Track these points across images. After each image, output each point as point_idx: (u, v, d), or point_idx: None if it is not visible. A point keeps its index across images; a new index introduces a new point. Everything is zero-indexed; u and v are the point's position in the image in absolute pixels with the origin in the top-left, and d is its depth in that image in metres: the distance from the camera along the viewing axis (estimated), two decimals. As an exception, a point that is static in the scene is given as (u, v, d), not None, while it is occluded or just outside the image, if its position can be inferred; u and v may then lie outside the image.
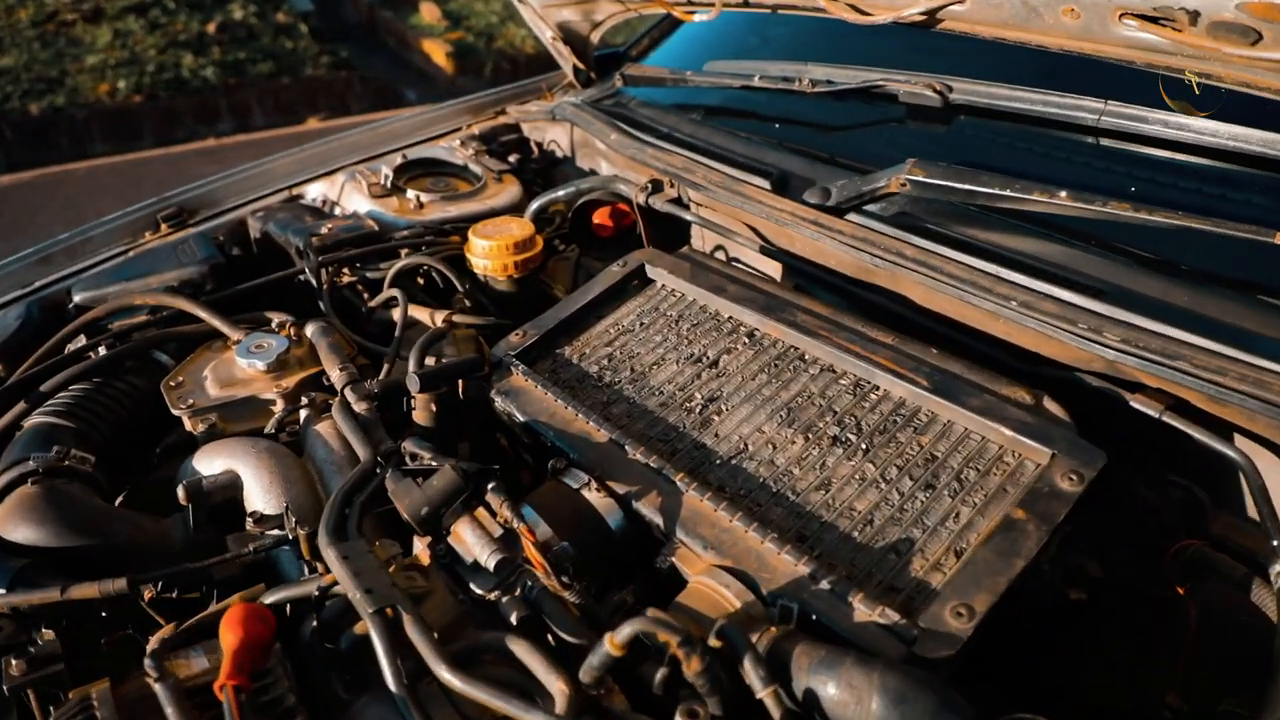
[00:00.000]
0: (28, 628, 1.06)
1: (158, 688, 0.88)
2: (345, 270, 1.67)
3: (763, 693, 0.83)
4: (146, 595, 1.07)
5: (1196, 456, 1.13)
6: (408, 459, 1.14)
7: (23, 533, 1.15)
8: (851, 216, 1.44)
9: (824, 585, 0.95)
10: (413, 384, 1.24)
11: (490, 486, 1.05)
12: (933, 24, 1.33)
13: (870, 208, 1.48)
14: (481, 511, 1.05)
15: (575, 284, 1.88)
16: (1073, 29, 1.15)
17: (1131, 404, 1.16)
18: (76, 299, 1.68)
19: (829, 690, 0.83)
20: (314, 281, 1.61)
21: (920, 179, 1.39)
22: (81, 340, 1.53)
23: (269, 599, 1.03)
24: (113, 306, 1.54)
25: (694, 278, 1.42)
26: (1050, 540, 0.96)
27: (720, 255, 1.74)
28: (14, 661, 0.98)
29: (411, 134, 2.22)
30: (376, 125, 2.21)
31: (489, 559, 0.99)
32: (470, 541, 1.02)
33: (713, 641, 0.86)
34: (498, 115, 2.31)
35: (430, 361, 1.35)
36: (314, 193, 2.02)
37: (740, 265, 1.68)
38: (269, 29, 8.14)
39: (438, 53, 8.56)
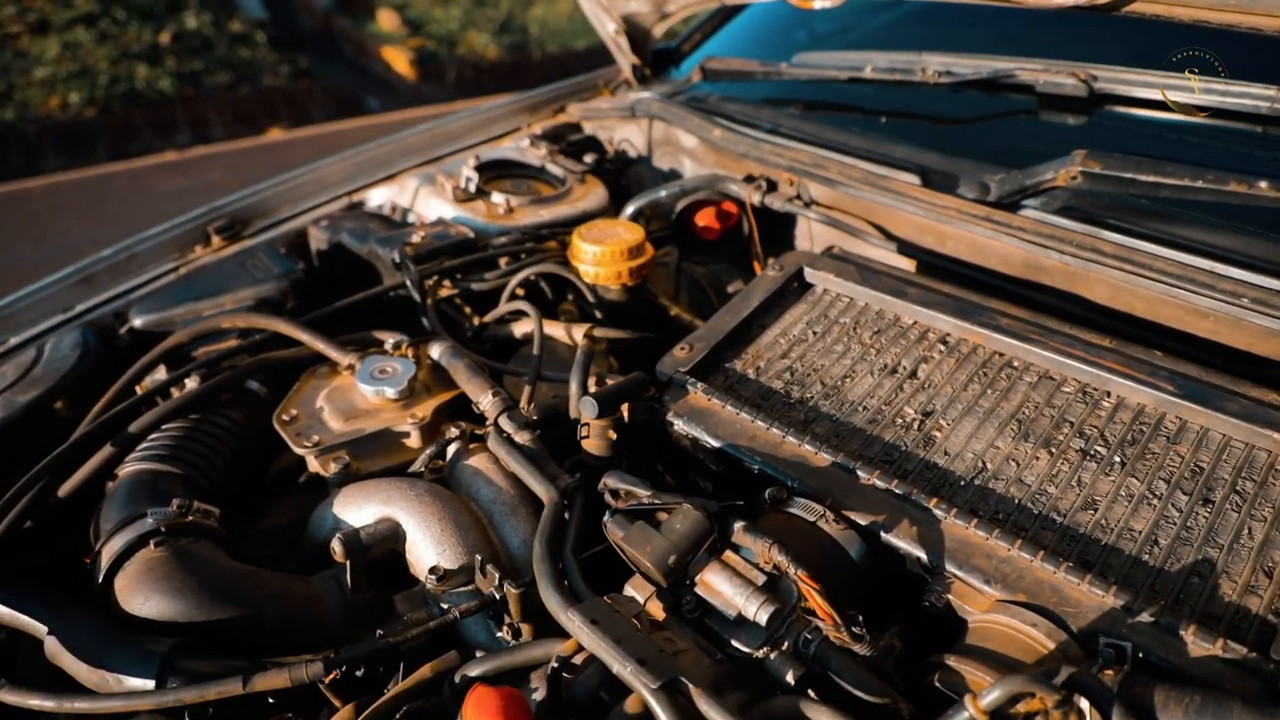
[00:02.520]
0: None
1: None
2: (445, 282, 1.51)
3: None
4: (329, 678, 0.90)
5: None
6: (610, 496, 0.99)
7: (154, 606, 0.96)
8: (1028, 212, 1.34)
9: (1145, 618, 0.83)
10: (589, 408, 1.09)
11: (741, 526, 0.91)
12: (1118, 6, 1.24)
13: (1032, 202, 1.38)
14: (730, 555, 0.91)
15: (677, 291, 1.75)
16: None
17: (1378, 403, 1.07)
18: (136, 323, 1.48)
19: (1219, 743, 0.71)
20: (416, 296, 1.44)
21: (1096, 171, 1.29)
22: (162, 371, 1.33)
23: (475, 671, 0.87)
24: (197, 331, 1.34)
25: (865, 281, 1.29)
26: (1378, 557, 0.87)
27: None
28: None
29: (469, 134, 2.06)
30: (431, 126, 2.04)
31: (758, 611, 0.85)
32: (728, 592, 0.88)
33: (1057, 702, 0.74)
34: (556, 114, 2.16)
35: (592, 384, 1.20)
36: (378, 199, 1.85)
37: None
38: (224, 38, 7.79)
39: (399, 60, 8.32)
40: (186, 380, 1.28)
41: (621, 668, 0.78)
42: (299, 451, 1.16)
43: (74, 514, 1.15)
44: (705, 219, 1.74)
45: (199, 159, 6.23)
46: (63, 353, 1.40)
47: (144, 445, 1.17)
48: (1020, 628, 0.85)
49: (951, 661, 0.84)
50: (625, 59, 2.16)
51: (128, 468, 1.14)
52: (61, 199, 4.97)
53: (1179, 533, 0.94)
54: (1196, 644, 0.81)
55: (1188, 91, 1.42)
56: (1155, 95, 1.45)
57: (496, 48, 8.72)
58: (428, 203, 1.73)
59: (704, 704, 0.76)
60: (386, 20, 8.78)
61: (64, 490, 1.16)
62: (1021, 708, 0.73)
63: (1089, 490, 0.99)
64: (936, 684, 0.84)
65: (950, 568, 0.92)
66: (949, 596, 0.91)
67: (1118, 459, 1.02)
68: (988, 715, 0.71)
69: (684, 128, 1.81)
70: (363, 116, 7.58)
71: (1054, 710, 0.70)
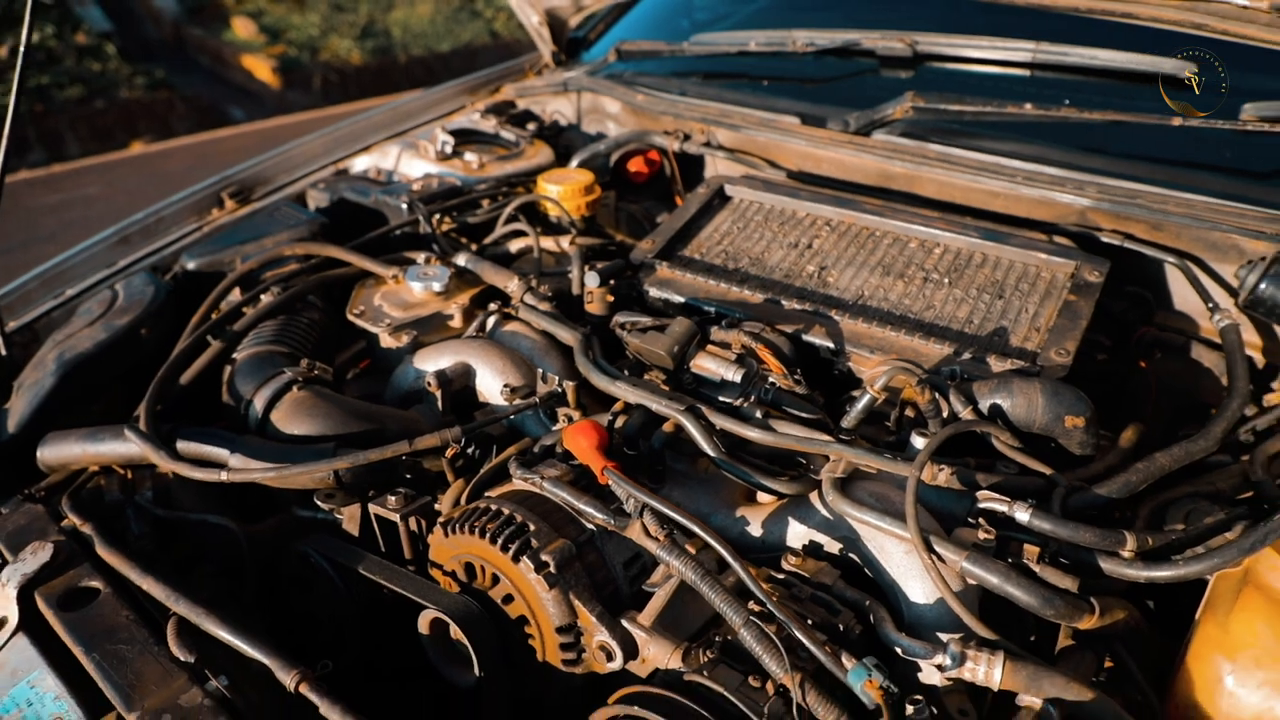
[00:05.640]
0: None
1: (545, 483, 1.20)
2: (446, 219, 1.96)
3: (964, 411, 1.28)
4: (450, 452, 1.35)
5: (1142, 269, 1.71)
6: (626, 327, 1.50)
7: (308, 427, 1.39)
8: (877, 136, 1.94)
9: (965, 357, 1.42)
10: (593, 279, 1.59)
11: (716, 328, 1.43)
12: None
13: (879, 131, 1.98)
14: (711, 346, 1.43)
15: (618, 223, 2.27)
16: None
17: (1101, 239, 1.72)
18: (190, 265, 1.86)
19: (1006, 402, 1.29)
20: (428, 228, 1.89)
21: (921, 105, 1.91)
22: (236, 292, 1.73)
23: (548, 441, 1.35)
24: (266, 258, 1.75)
25: (769, 190, 1.85)
26: (1094, 312, 1.49)
27: (747, 186, 2.18)
28: (391, 498, 1.26)
29: (424, 113, 2.50)
30: (390, 107, 2.47)
31: (735, 374, 1.38)
32: (713, 366, 1.40)
33: (923, 390, 1.30)
34: (493, 93, 2.63)
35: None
36: (361, 165, 2.27)
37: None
38: (71, 50, 7.68)
39: (261, 68, 8.43)
40: (262, 295, 1.69)
41: (658, 404, 1.29)
42: (375, 330, 1.61)
43: (191, 398, 1.55)
44: (636, 165, 2.26)
45: (65, 174, 6.21)
46: (139, 289, 1.77)
47: (250, 337, 1.58)
48: (902, 365, 1.41)
49: (897, 362, 1.39)
50: (546, 46, 2.67)
51: (244, 351, 1.55)
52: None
53: (985, 314, 1.53)
54: (997, 364, 1.40)
55: (980, 48, 2.06)
56: (958, 52, 2.09)
57: (360, 53, 8.96)
58: (411, 164, 2.18)
59: (713, 416, 1.27)
60: (243, 28, 8.86)
61: (185, 378, 1.55)
62: (904, 394, 1.29)
63: (929, 298, 1.58)
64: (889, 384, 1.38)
65: (849, 348, 1.47)
66: (850, 364, 1.47)
67: (946, 280, 1.61)
68: (884, 392, 1.26)
69: (611, 96, 2.33)
70: (231, 126, 7.67)
71: (918, 390, 1.26)
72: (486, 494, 1.26)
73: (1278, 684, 1.01)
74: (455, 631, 1.14)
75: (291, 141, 2.31)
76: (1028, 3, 1.94)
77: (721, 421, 1.28)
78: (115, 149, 7.18)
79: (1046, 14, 1.93)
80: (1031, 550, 1.13)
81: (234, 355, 1.55)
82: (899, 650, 1.07)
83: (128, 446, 1.37)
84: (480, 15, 10.03)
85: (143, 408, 1.40)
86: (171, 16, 9.17)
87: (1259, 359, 1.71)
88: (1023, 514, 1.14)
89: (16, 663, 1.20)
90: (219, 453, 1.36)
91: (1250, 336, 1.68)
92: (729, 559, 1.07)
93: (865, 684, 0.96)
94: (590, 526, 1.18)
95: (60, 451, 1.43)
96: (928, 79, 2.18)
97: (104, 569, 1.26)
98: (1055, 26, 2.02)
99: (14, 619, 1.23)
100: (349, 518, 1.34)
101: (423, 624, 1.18)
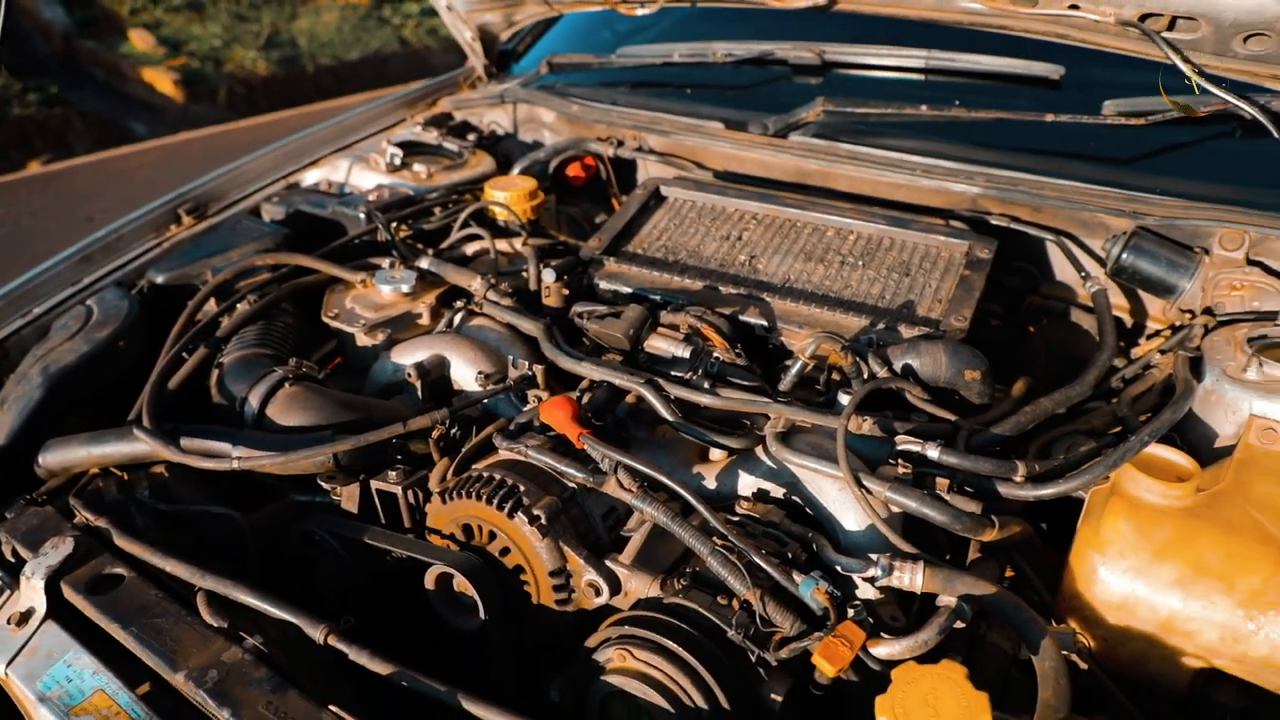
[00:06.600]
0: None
1: (530, 450, 1.39)
2: (403, 226, 2.12)
3: (881, 371, 1.52)
4: (436, 434, 1.53)
5: (1027, 247, 2.00)
6: (583, 316, 1.70)
7: (302, 418, 1.55)
8: (793, 138, 2.18)
9: (881, 327, 1.66)
10: (550, 275, 1.79)
11: (670, 308, 1.65)
12: (830, 7, 2.11)
13: (795, 132, 2.23)
14: (661, 328, 1.64)
15: (559, 225, 2.46)
16: (929, 3, 1.96)
17: (991, 221, 2.00)
18: (158, 279, 1.98)
19: (916, 362, 1.54)
20: (387, 235, 2.05)
21: (831, 109, 2.16)
22: (213, 302, 1.86)
23: (523, 419, 1.55)
24: (239, 268, 1.89)
25: (700, 189, 2.08)
26: (986, 284, 1.76)
27: (678, 186, 2.41)
28: (391, 474, 1.43)
29: (365, 127, 2.65)
30: (335, 122, 2.61)
31: (684, 351, 1.59)
32: (664, 346, 1.62)
33: (846, 355, 1.54)
34: (430, 106, 2.79)
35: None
36: (312, 179, 2.41)
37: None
38: (-45, 67, 7.41)
39: (162, 81, 8.29)
40: (238, 304, 1.82)
41: (621, 379, 1.49)
42: (351, 331, 1.76)
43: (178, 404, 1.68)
44: (574, 170, 2.46)
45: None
46: (114, 304, 1.88)
47: (234, 342, 1.72)
48: (828, 336, 1.65)
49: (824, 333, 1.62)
50: (479, 60, 2.84)
51: (231, 355, 1.69)
52: None
53: (894, 290, 1.79)
54: (908, 330, 1.65)
55: (881, 56, 2.33)
56: (861, 60, 2.35)
57: (266, 63, 8.88)
58: (363, 176, 2.33)
59: (667, 387, 1.48)
60: (140, 40, 8.68)
61: (174, 383, 1.68)
62: (830, 360, 1.52)
63: (847, 279, 1.82)
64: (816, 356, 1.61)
65: (780, 325, 1.70)
66: (782, 339, 1.70)
67: (860, 263, 1.86)
68: (813, 360, 1.50)
69: (546, 107, 2.52)
70: (135, 143, 7.53)
71: (841, 355, 1.50)
72: (473, 466, 1.44)
73: (1138, 569, 1.27)
74: (460, 583, 1.32)
75: (242, 158, 2.43)
76: (921, 16, 2.20)
77: (676, 391, 1.49)
78: (10, 170, 6.98)
79: (938, 25, 2.21)
80: (942, 482, 1.38)
81: (220, 360, 1.69)
82: (839, 568, 1.30)
83: (134, 446, 1.50)
84: (388, 22, 10.04)
85: (144, 409, 1.53)
86: (62, 29, 8.91)
87: (1127, 319, 2.01)
88: (933, 452, 1.39)
89: (50, 646, 1.33)
90: (223, 446, 1.50)
91: (1118, 300, 1.98)
92: (693, 502, 1.28)
93: (814, 591, 1.18)
94: (571, 485, 1.38)
95: (63, 456, 1.55)
96: (836, 85, 2.44)
97: (124, 556, 1.39)
98: (946, 36, 2.30)
99: (42, 608, 1.36)
100: (348, 497, 1.50)
101: (429, 580, 1.35)
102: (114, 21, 9.06)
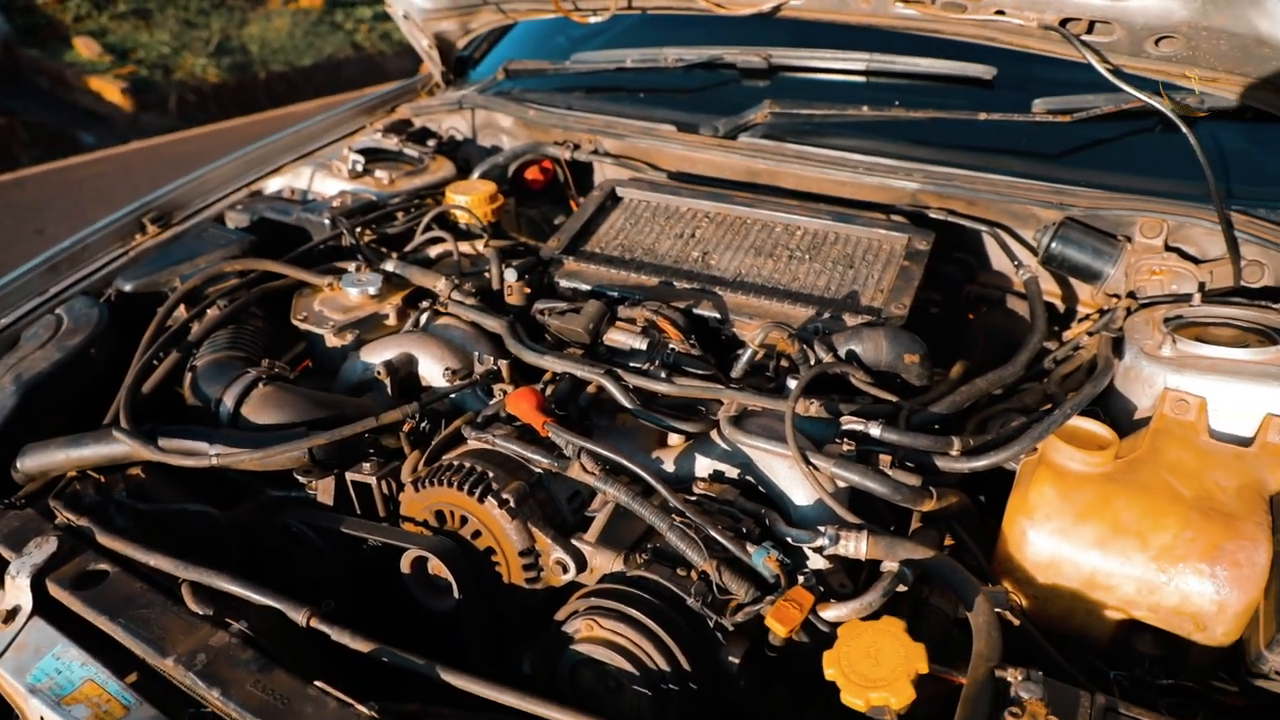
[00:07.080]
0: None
1: (497, 439, 1.47)
2: (367, 231, 2.19)
3: (826, 357, 1.63)
4: (407, 427, 1.61)
5: (964, 238, 2.13)
6: (545, 313, 1.79)
7: (277, 416, 1.62)
8: (743, 139, 2.29)
9: (826, 316, 1.78)
10: (512, 274, 1.87)
11: (628, 303, 1.74)
12: (774, 13, 2.22)
13: (745, 134, 2.34)
14: (619, 322, 1.74)
15: (518, 227, 2.55)
16: (866, 10, 2.08)
17: (929, 215, 2.13)
18: (126, 287, 2.03)
19: (859, 348, 1.65)
20: (351, 240, 2.11)
21: (778, 110, 2.28)
22: (182, 309, 1.91)
23: (489, 412, 1.63)
24: (207, 274, 1.95)
25: (654, 190, 2.18)
26: (925, 274, 1.88)
27: (634, 187, 2.50)
28: (365, 466, 1.50)
29: (326, 134, 2.71)
30: (295, 130, 2.66)
31: (641, 343, 1.69)
32: (622, 339, 1.71)
33: (793, 342, 1.64)
34: (390, 113, 2.85)
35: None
36: (274, 186, 2.46)
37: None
38: (-107, 77, 7.29)
39: (110, 90, 8.20)
40: (208, 309, 1.88)
41: (582, 371, 1.58)
42: (321, 332, 1.83)
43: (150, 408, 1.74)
44: (532, 174, 2.55)
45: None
46: (83, 312, 1.93)
47: (206, 346, 1.78)
48: (777, 325, 1.75)
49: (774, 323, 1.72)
50: (436, 67, 2.91)
51: (204, 359, 1.75)
52: None
53: (839, 282, 1.90)
54: (851, 319, 1.76)
55: (824, 59, 2.45)
56: (806, 63, 2.47)
57: (217, 70, 8.83)
58: (325, 183, 2.39)
59: (627, 377, 1.58)
60: (86, 48, 8.58)
61: (147, 387, 1.74)
62: (779, 348, 1.63)
63: (794, 272, 1.94)
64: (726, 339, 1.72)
65: (732, 316, 1.81)
66: (733, 329, 1.80)
67: (807, 257, 1.98)
68: (762, 348, 1.60)
69: (504, 112, 2.60)
70: (84, 153, 7.45)
71: (789, 343, 1.61)
72: (444, 456, 1.52)
73: (1062, 530, 1.39)
74: (434, 566, 1.40)
75: (203, 167, 2.48)
76: (860, 21, 2.32)
77: (635, 381, 1.58)
78: (-46, 182, 6.88)
79: (877, 30, 2.33)
80: (885, 458, 1.49)
81: (193, 363, 1.75)
82: (790, 540, 1.40)
83: (113, 447, 1.56)
84: (340, 27, 10.02)
85: (121, 412, 1.59)
86: (2, 37, 8.77)
87: (1059, 304, 2.15)
88: (876, 431, 1.50)
89: (37, 641, 1.38)
90: (200, 445, 1.56)
91: (1049, 286, 2.12)
92: (652, 482, 1.38)
93: (765, 560, 1.28)
94: (538, 471, 1.47)
95: (42, 460, 1.60)
96: (782, 87, 2.56)
97: (107, 553, 1.45)
98: (885, 40, 2.42)
99: (28, 605, 1.41)
100: (323, 490, 1.57)
101: (404, 564, 1.43)
102: (57, 29, 8.93)
